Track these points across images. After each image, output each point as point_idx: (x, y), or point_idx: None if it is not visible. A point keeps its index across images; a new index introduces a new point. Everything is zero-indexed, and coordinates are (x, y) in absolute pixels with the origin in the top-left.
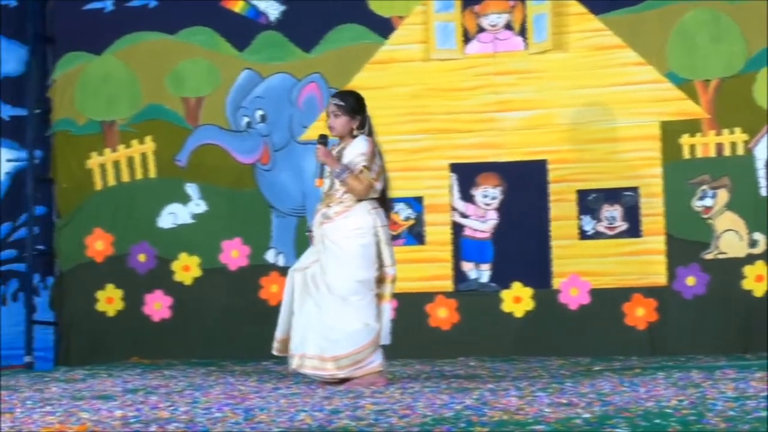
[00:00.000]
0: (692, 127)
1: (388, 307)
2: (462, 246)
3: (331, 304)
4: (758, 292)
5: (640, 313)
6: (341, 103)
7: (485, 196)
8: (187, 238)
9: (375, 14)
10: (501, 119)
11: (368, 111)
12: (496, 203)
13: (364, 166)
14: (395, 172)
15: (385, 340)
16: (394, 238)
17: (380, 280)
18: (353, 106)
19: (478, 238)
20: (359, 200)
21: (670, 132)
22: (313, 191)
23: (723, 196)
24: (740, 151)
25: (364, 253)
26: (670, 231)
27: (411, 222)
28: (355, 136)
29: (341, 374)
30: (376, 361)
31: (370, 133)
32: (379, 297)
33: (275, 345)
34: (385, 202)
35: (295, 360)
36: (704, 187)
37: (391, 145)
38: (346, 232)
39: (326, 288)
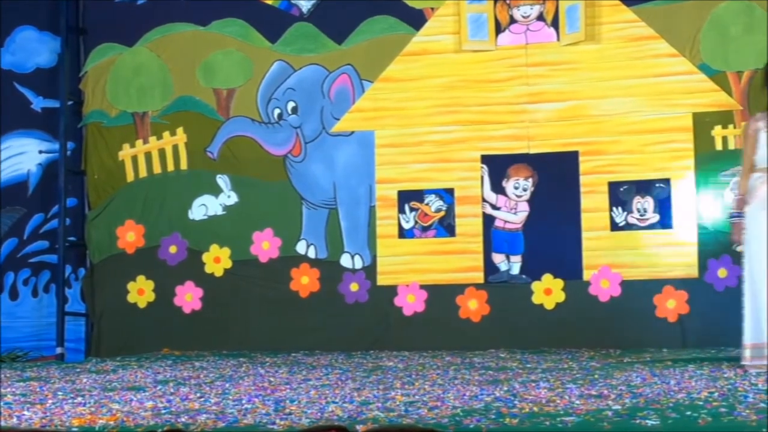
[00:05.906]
0: (725, 118)
1: None
2: (493, 238)
3: None
4: None
5: (671, 305)
6: None
7: (516, 188)
8: (218, 230)
9: (407, 6)
10: (533, 111)
11: None
12: (527, 195)
13: None
14: (427, 164)
15: None
16: (425, 229)
17: None
18: None
19: (509, 230)
20: None
21: (703, 123)
22: (343, 183)
23: None
24: None
25: None
26: (701, 223)
27: (442, 214)
28: None
29: None
30: None
31: None
32: None
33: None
34: None
35: None
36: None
37: (423, 137)
38: None
39: None
